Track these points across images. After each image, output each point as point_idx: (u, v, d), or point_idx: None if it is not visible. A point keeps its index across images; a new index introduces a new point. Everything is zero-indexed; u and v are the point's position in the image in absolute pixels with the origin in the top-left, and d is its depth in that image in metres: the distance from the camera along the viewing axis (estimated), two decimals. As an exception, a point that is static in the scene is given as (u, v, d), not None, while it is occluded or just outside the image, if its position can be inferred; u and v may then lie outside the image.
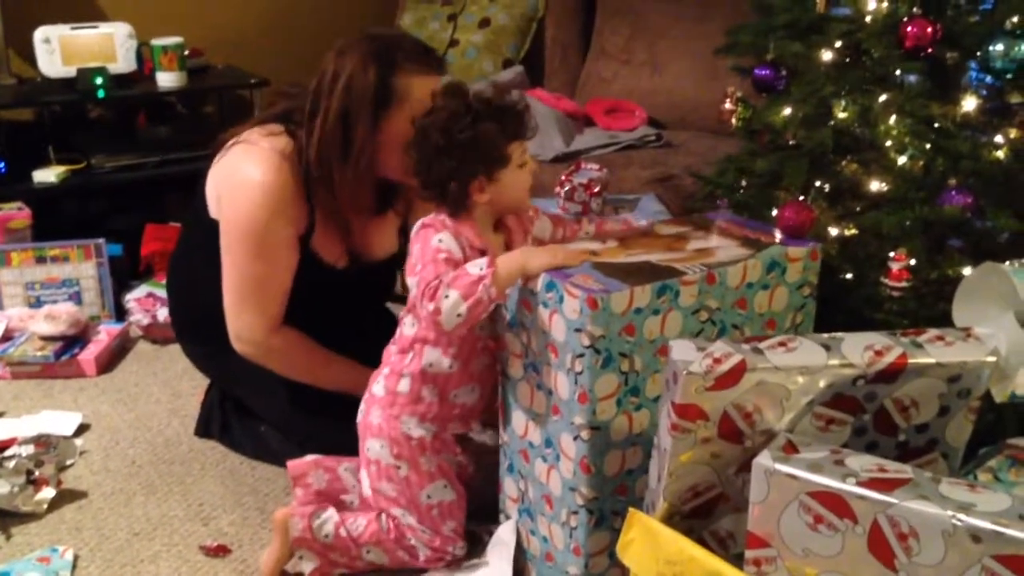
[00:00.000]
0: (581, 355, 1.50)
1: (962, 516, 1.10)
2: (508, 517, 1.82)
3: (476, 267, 1.55)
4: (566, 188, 2.35)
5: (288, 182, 1.93)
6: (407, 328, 1.73)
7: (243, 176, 1.95)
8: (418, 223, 1.68)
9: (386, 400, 1.75)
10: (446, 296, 1.53)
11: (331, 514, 1.78)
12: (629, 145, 3.06)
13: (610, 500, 1.60)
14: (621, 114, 3.24)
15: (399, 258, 2.18)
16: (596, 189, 2.35)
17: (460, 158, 1.61)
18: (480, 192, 1.63)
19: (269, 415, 2.17)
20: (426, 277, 1.57)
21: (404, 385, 1.73)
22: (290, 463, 1.88)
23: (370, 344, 1.88)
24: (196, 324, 2.19)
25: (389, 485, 1.77)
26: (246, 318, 1.99)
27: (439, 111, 1.64)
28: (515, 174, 1.66)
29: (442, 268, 1.58)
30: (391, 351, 1.78)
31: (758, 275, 1.64)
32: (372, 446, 1.76)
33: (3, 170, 3.15)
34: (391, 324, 1.86)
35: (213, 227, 2.00)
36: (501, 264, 1.55)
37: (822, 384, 1.31)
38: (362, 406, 1.80)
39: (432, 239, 1.62)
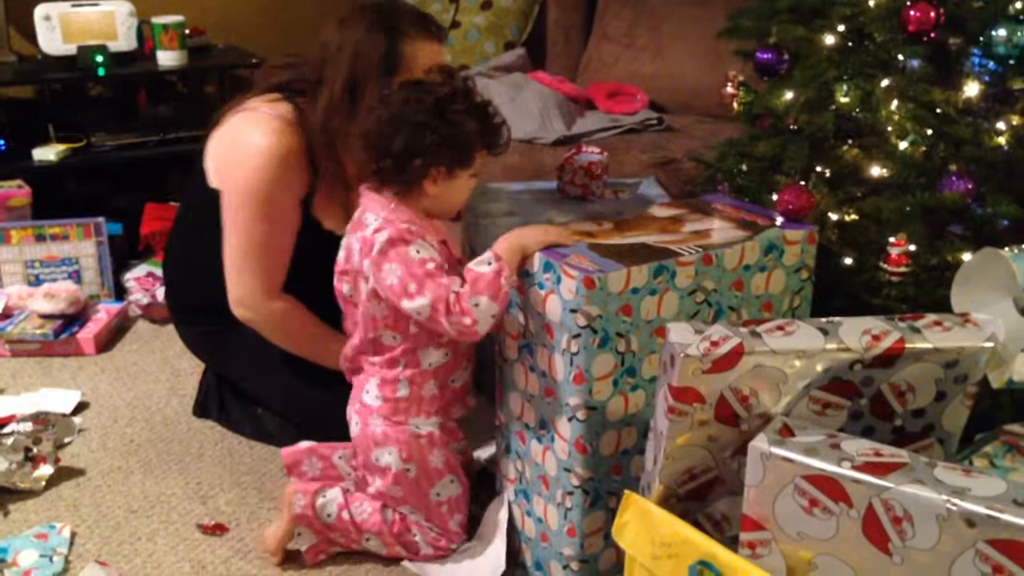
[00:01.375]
0: (577, 335, 1.50)
1: (956, 500, 1.10)
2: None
3: (484, 264, 1.54)
4: (567, 171, 2.35)
5: (292, 146, 1.95)
6: (387, 340, 1.70)
7: (247, 140, 1.96)
8: (378, 235, 1.61)
9: (386, 408, 1.73)
10: (476, 304, 1.53)
11: (336, 495, 1.78)
12: (630, 129, 3.05)
13: (605, 481, 1.61)
14: (623, 98, 3.23)
15: None
16: (597, 172, 2.35)
17: (439, 140, 1.57)
18: (434, 183, 1.61)
19: (264, 398, 2.17)
20: (437, 295, 1.55)
21: (404, 390, 1.72)
22: (284, 451, 1.88)
23: None
24: (193, 304, 2.20)
25: (398, 488, 1.76)
26: (247, 280, 1.99)
27: (438, 85, 1.60)
28: (466, 182, 1.65)
29: (441, 278, 1.57)
30: (370, 361, 1.74)
31: (755, 257, 1.64)
32: (380, 456, 1.74)
33: (3, 148, 3.14)
34: None
35: (212, 199, 2.00)
36: (503, 251, 1.55)
37: (819, 368, 1.31)
38: (355, 418, 1.78)
39: (410, 254, 1.58)
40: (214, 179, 2.02)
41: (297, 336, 2.04)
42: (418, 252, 1.58)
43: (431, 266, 1.58)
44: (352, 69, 1.89)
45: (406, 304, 1.58)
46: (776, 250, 1.66)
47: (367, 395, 1.75)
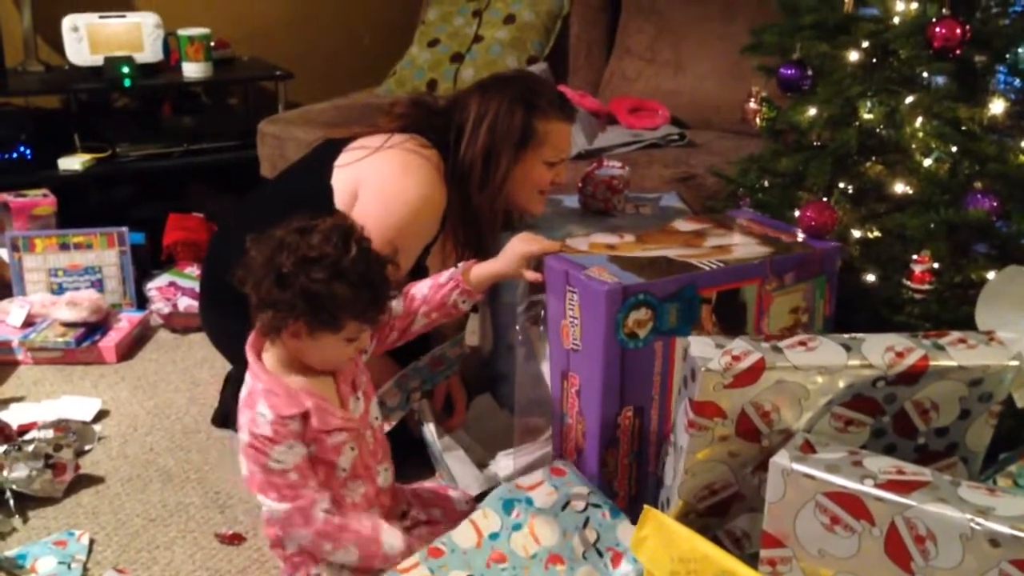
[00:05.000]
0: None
1: (981, 520, 1.09)
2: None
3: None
4: (587, 185, 2.35)
5: (442, 201, 2.01)
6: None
7: (404, 184, 1.97)
8: (242, 415, 1.54)
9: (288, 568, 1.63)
10: (346, 551, 1.51)
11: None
12: (652, 144, 3.04)
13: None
14: (644, 113, 3.22)
15: None
16: (618, 187, 2.34)
17: (292, 297, 1.44)
18: (294, 337, 1.49)
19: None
20: (295, 507, 1.50)
21: (292, 545, 1.60)
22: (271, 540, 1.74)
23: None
24: (238, 297, 2.14)
25: None
26: None
27: (310, 243, 1.46)
28: (336, 343, 1.51)
29: (302, 489, 1.50)
30: None
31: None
32: None
33: (29, 157, 3.17)
34: None
35: (321, 208, 1.98)
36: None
37: (841, 384, 1.30)
38: None
39: (270, 459, 1.49)
40: (344, 199, 2.00)
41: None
42: (279, 463, 1.50)
43: (293, 476, 1.51)
44: (489, 138, 1.98)
45: (260, 499, 1.53)
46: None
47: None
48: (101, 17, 3.28)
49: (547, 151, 2.03)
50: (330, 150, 2.10)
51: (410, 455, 1.97)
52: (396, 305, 1.70)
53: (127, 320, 2.76)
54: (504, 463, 2.06)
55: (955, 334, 1.37)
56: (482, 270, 1.76)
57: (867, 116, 1.95)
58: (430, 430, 2.00)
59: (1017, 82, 1.88)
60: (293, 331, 1.48)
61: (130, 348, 2.70)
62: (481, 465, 2.03)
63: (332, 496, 1.55)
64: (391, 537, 1.55)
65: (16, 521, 1.93)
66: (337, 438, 1.54)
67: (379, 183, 1.99)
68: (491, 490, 1.96)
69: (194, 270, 2.95)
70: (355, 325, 1.49)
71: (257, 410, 1.49)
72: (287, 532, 1.54)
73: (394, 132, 2.05)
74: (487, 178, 2.00)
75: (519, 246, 1.75)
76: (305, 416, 1.50)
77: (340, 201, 2.01)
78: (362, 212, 1.97)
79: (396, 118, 2.11)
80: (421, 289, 1.76)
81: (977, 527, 1.09)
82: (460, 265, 1.78)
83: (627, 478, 1.62)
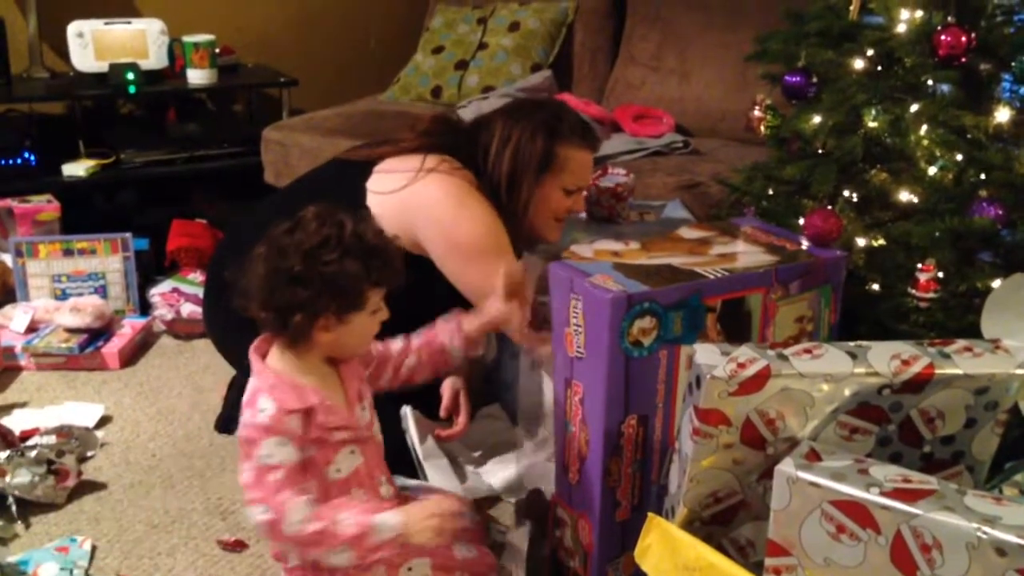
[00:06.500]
0: None
1: (987, 529, 1.09)
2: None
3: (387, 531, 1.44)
4: (592, 192, 2.35)
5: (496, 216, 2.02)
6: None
7: (466, 222, 1.98)
8: (243, 414, 1.49)
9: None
10: (339, 553, 1.44)
11: None
12: (656, 151, 3.05)
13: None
14: (649, 121, 3.22)
15: None
16: (623, 194, 2.35)
17: (316, 291, 1.43)
18: (325, 331, 1.47)
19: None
20: (276, 514, 1.42)
21: (294, 559, 1.55)
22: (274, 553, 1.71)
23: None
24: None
25: None
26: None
27: (307, 234, 1.45)
28: (365, 320, 1.50)
29: (285, 492, 1.43)
30: None
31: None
32: None
33: (33, 163, 3.18)
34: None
35: None
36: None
37: (847, 392, 1.30)
38: None
39: (260, 449, 1.44)
40: (390, 226, 1.91)
41: None
42: (269, 455, 1.45)
43: (279, 475, 1.45)
44: (512, 163, 2.01)
45: (248, 508, 1.47)
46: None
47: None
48: (106, 23, 3.29)
49: (566, 178, 2.05)
50: (354, 168, 2.08)
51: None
52: (395, 345, 1.69)
53: (130, 326, 2.76)
54: (491, 469, 2.06)
55: (961, 342, 1.36)
56: (473, 319, 1.74)
57: (872, 124, 1.95)
58: (411, 436, 1.99)
59: (1022, 90, 1.88)
60: (324, 325, 1.46)
61: (133, 354, 2.70)
62: (463, 476, 2.02)
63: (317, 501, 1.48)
64: (384, 523, 1.45)
65: (18, 527, 1.93)
66: (339, 436, 1.52)
67: (439, 228, 1.99)
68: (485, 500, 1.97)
69: (197, 276, 2.95)
70: (376, 294, 1.49)
71: (258, 405, 1.46)
72: (274, 544, 1.49)
73: (424, 151, 2.04)
74: (510, 202, 2.03)
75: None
76: (308, 413, 1.47)
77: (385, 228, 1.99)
78: (441, 264, 2.01)
79: (420, 135, 2.11)
80: (419, 332, 1.73)
81: (983, 536, 1.08)
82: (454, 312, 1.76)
83: (630, 487, 1.61)
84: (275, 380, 1.48)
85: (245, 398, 1.51)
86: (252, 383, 1.51)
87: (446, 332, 1.72)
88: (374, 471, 1.59)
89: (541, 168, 2.03)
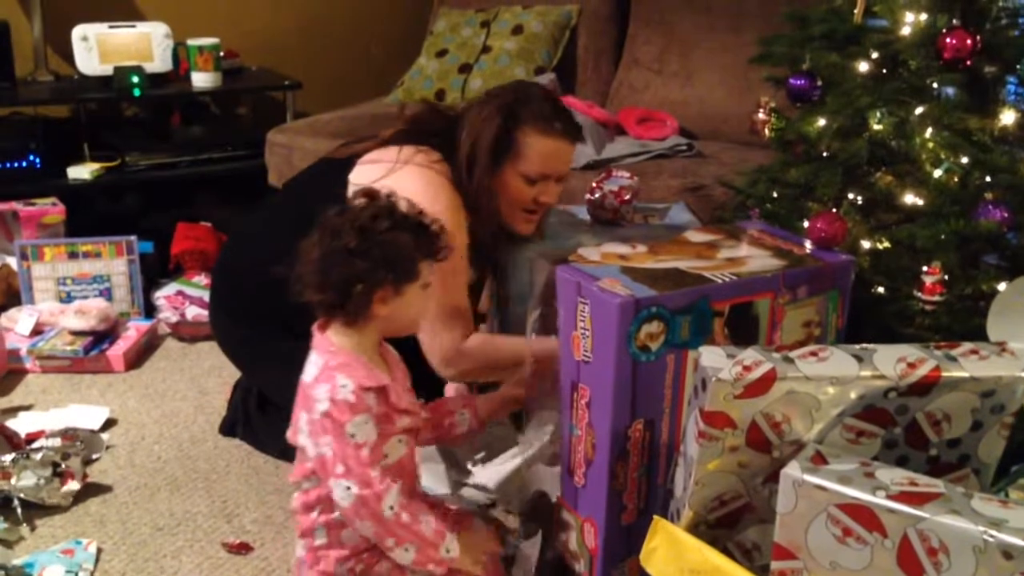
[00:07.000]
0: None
1: (994, 532, 1.08)
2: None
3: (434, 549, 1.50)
4: (596, 195, 2.35)
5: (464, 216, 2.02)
6: (304, 484, 1.57)
7: (432, 204, 1.92)
8: (316, 390, 1.50)
9: (309, 558, 1.58)
10: (405, 549, 1.48)
11: None
12: (660, 154, 3.05)
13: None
14: (653, 123, 3.23)
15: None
16: (626, 197, 2.35)
17: (373, 262, 1.48)
18: (383, 303, 1.51)
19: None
20: (363, 493, 1.46)
21: (321, 538, 1.57)
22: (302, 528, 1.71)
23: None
24: (254, 306, 2.14)
25: None
26: (453, 333, 1.97)
27: (357, 212, 1.52)
28: (418, 293, 1.55)
29: (372, 473, 1.47)
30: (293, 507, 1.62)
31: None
32: None
33: (38, 166, 3.19)
34: None
35: None
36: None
37: (853, 395, 1.30)
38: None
39: (346, 427, 1.46)
40: None
41: (498, 357, 2.01)
42: (353, 436, 1.47)
43: (365, 452, 1.48)
44: (471, 148, 1.99)
45: (331, 483, 1.49)
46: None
47: (297, 547, 1.62)
48: (111, 27, 3.30)
49: (525, 165, 2.00)
50: (340, 163, 2.09)
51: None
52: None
53: (135, 329, 2.77)
54: (490, 472, 2.05)
55: (967, 345, 1.36)
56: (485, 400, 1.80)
57: (877, 127, 1.94)
58: None
59: (1028, 93, 1.88)
60: (382, 297, 1.51)
61: (138, 357, 2.71)
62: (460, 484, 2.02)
63: (404, 488, 1.52)
64: (451, 543, 1.52)
65: (24, 529, 1.93)
66: (402, 422, 1.55)
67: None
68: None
69: (202, 279, 2.96)
70: (426, 267, 1.54)
71: (337, 381, 1.48)
72: (352, 520, 1.50)
73: (401, 142, 2.04)
74: (472, 189, 1.99)
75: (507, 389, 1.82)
76: (382, 392, 1.51)
77: None
78: None
79: (405, 120, 2.11)
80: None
81: (990, 539, 1.08)
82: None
83: (636, 491, 1.61)
84: (346, 358, 1.51)
85: (313, 375, 1.53)
86: (320, 360, 1.53)
87: (458, 403, 1.78)
88: (413, 464, 1.63)
89: (497, 153, 1.98)
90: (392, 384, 1.53)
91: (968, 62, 1.84)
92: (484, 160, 1.98)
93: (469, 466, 2.06)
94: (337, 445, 1.47)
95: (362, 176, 2.01)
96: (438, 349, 1.98)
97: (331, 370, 1.50)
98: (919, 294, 1.87)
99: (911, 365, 1.30)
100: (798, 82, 2.09)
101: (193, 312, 2.82)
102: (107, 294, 2.88)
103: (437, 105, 2.23)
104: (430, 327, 1.96)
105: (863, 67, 2.01)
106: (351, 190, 2.00)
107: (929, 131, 1.89)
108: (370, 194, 1.55)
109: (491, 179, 2.00)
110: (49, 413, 2.38)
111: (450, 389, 2.08)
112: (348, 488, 1.46)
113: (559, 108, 2.05)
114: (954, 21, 1.86)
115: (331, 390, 1.48)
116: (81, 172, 3.20)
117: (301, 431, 1.53)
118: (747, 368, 1.28)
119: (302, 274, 1.52)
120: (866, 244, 1.98)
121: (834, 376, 1.29)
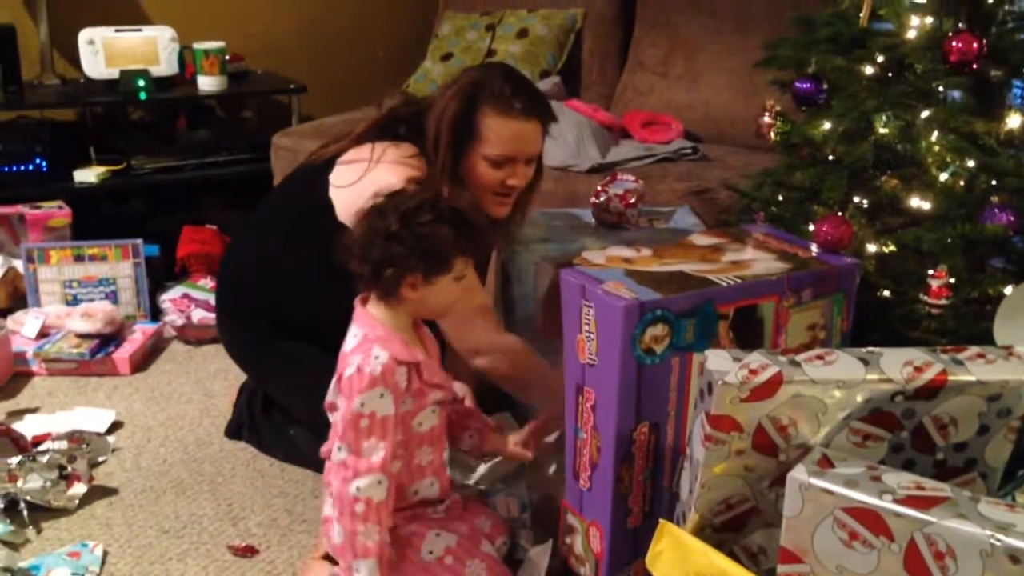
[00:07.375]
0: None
1: (1001, 536, 1.08)
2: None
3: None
4: (601, 199, 2.35)
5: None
6: (336, 453, 1.60)
7: None
8: (349, 359, 1.57)
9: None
10: (338, 531, 1.55)
11: None
12: (665, 158, 3.04)
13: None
14: (658, 127, 3.23)
15: None
16: (631, 200, 2.35)
17: (408, 249, 1.55)
18: (412, 288, 1.58)
19: (301, 413, 2.17)
20: (352, 446, 1.53)
21: None
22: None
23: None
24: (254, 308, 2.15)
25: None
26: (480, 323, 1.95)
27: (406, 197, 1.59)
28: (449, 285, 1.61)
29: (375, 455, 1.53)
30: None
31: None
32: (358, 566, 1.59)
33: (45, 169, 3.19)
34: None
35: (324, 221, 1.98)
36: None
37: (860, 399, 1.30)
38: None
39: (360, 396, 1.53)
40: (350, 218, 1.83)
41: (528, 377, 1.97)
42: (362, 405, 1.53)
43: (364, 424, 1.54)
44: (434, 131, 1.97)
45: (335, 445, 1.57)
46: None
47: (326, 506, 1.66)
48: (117, 31, 3.30)
49: (486, 147, 1.96)
50: (321, 164, 2.08)
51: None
52: None
53: (141, 332, 2.77)
54: (482, 470, 2.05)
55: (973, 349, 1.36)
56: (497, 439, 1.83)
57: (883, 130, 1.95)
58: None
59: (1034, 96, 1.88)
60: (411, 283, 1.57)
61: (144, 360, 2.71)
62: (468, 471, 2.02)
63: (404, 463, 1.62)
64: (365, 570, 1.54)
65: (30, 532, 1.93)
66: (434, 396, 1.63)
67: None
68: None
69: (207, 282, 2.96)
70: (462, 262, 1.60)
71: (372, 353, 1.55)
72: (327, 476, 1.58)
73: (374, 138, 2.03)
74: (440, 171, 1.96)
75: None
76: (415, 367, 1.58)
77: (345, 218, 1.98)
78: None
79: (383, 111, 2.10)
80: None
81: (997, 543, 1.08)
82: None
83: (642, 494, 1.61)
84: (384, 332, 1.58)
85: (352, 345, 1.60)
86: (360, 332, 1.60)
87: (473, 425, 1.82)
88: (443, 433, 1.71)
89: (458, 136, 1.96)
90: (426, 360, 1.61)
91: (974, 66, 1.84)
92: (446, 143, 1.96)
93: (471, 463, 2.07)
94: (346, 410, 1.55)
95: (341, 177, 2.01)
96: (472, 338, 1.96)
97: (369, 342, 1.57)
98: (925, 298, 1.87)
99: (918, 369, 1.30)
100: (804, 85, 2.10)
101: (199, 315, 2.82)
102: (113, 297, 2.88)
103: (411, 96, 2.21)
104: (458, 318, 1.90)
105: (869, 70, 2.01)
106: (332, 192, 2.03)
107: (935, 135, 1.89)
108: (423, 183, 1.64)
109: (456, 162, 1.98)
110: (55, 416, 2.38)
111: (457, 387, 2.06)
112: (339, 449, 1.55)
113: (520, 88, 2.00)
114: (960, 25, 1.87)
115: (363, 359, 1.55)
116: (87, 175, 3.20)
117: (332, 394, 1.61)
118: (753, 371, 1.28)
119: (350, 243, 1.60)
120: (872, 247, 1.98)
121: (840, 380, 1.29)
